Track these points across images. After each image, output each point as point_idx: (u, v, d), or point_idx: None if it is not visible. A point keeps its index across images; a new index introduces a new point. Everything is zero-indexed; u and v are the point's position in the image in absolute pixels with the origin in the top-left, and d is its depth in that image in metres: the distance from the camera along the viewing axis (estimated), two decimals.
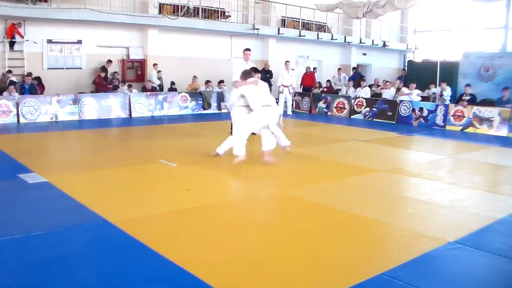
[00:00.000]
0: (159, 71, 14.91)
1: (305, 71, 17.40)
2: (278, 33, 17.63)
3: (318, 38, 18.89)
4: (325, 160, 7.41)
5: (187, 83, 15.40)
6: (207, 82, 14.93)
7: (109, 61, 14.20)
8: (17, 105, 11.07)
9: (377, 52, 22.39)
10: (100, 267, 3.34)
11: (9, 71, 12.26)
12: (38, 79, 12.66)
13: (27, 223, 4.15)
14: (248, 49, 9.39)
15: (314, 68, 18.50)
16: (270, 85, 16.13)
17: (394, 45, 22.82)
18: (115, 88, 13.59)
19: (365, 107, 14.02)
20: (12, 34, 12.60)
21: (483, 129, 11.49)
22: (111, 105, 12.53)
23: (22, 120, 11.08)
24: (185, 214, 4.58)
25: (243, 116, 6.97)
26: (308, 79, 17.09)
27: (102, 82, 13.48)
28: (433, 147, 9.28)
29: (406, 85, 14.47)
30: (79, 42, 13.96)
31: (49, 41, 13.47)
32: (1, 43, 12.65)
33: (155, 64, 14.83)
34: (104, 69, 13.93)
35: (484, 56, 14.50)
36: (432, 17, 22.91)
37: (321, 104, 15.12)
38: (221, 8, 16.15)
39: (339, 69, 18.87)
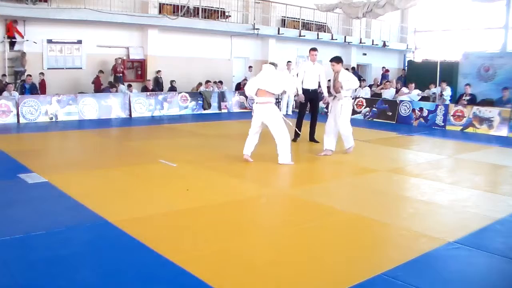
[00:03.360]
0: (158, 71, 14.92)
1: None
2: (278, 33, 17.64)
3: (318, 38, 18.89)
4: (325, 160, 7.41)
5: (187, 83, 15.39)
6: (207, 82, 14.94)
7: (124, 61, 14.33)
8: (17, 105, 11.07)
9: (377, 52, 22.39)
10: (100, 267, 3.33)
11: (4, 75, 12.31)
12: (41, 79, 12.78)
13: (27, 223, 4.14)
14: (314, 49, 8.91)
15: None
16: None
17: (394, 45, 22.83)
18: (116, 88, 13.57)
19: (365, 107, 14.01)
20: (11, 32, 12.60)
21: (483, 129, 11.47)
22: (111, 105, 12.53)
23: (22, 120, 11.08)
24: (185, 214, 4.57)
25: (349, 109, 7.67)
26: None
27: (100, 83, 13.50)
28: (433, 147, 9.27)
29: (406, 85, 14.48)
30: (79, 42, 13.97)
31: (49, 41, 13.48)
32: (1, 43, 12.65)
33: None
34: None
35: (484, 56, 14.52)
36: (432, 17, 22.92)
37: (321, 104, 15.04)
38: (221, 8, 16.15)
39: (352, 68, 18.89)
